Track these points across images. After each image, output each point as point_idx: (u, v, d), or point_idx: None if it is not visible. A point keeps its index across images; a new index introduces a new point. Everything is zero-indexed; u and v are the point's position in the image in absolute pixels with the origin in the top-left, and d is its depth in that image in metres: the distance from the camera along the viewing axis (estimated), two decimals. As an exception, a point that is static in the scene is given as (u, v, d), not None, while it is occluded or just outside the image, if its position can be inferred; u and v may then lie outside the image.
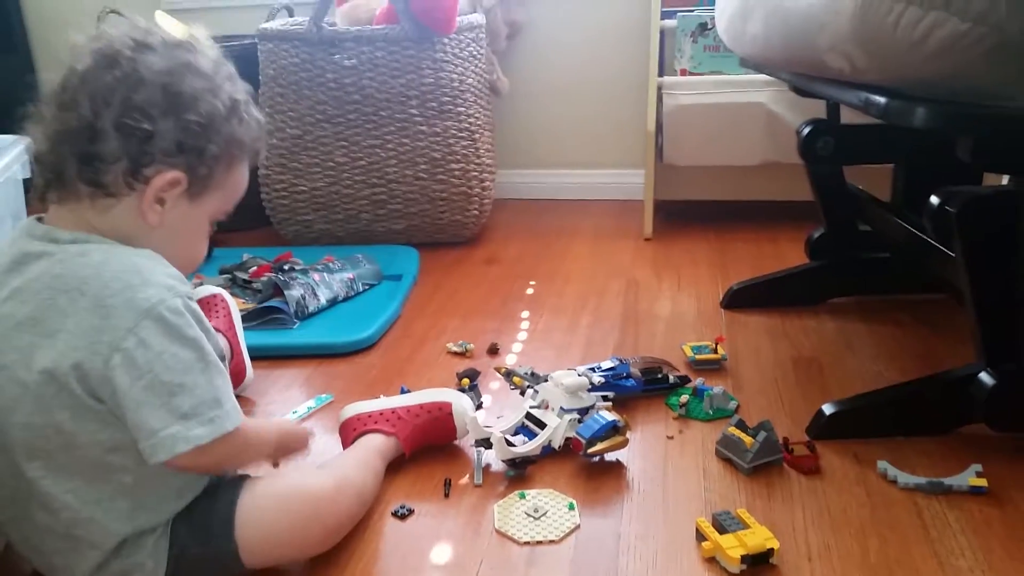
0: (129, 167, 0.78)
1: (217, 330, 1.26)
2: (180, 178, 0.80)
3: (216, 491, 0.87)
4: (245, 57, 2.03)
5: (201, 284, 1.70)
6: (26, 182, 1.52)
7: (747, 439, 1.06)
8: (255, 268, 1.71)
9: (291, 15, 2.16)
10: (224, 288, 1.68)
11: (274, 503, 0.88)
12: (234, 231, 2.10)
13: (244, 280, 1.69)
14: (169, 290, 0.77)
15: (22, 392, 0.76)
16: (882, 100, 1.03)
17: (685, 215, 2.14)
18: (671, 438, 1.14)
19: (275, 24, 1.98)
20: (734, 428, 1.09)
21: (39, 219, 0.82)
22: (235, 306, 1.34)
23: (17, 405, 0.77)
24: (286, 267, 1.70)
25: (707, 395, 1.20)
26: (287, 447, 0.96)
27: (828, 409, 1.15)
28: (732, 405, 1.21)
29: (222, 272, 1.75)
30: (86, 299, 0.75)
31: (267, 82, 1.94)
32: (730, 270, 1.78)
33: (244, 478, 0.91)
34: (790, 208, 2.07)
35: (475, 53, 2.00)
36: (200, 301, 1.33)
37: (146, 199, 0.79)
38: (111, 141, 0.77)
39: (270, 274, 1.66)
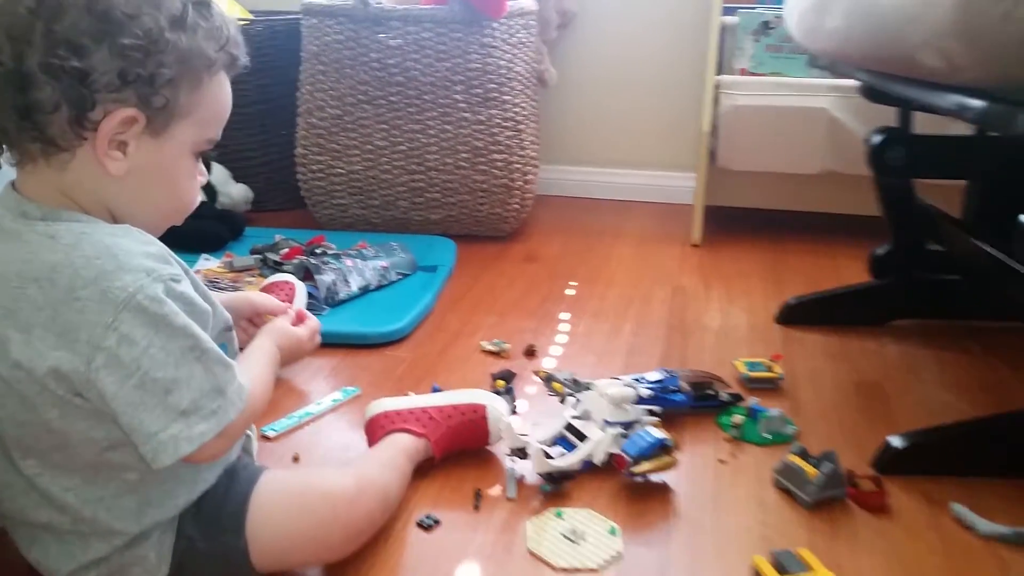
0: (71, 114, 0.66)
1: None
2: (133, 115, 0.68)
3: (229, 482, 0.80)
4: (288, 32, 1.97)
5: (231, 262, 1.64)
6: None
7: (810, 469, 0.97)
8: (287, 250, 1.65)
9: (338, -8, 2.09)
10: (254, 268, 1.63)
11: (290, 500, 0.81)
12: (268, 211, 2.04)
13: (275, 261, 1.63)
14: (148, 274, 0.67)
15: (6, 388, 0.68)
16: (980, 104, 0.93)
17: (736, 222, 2.04)
18: (723, 462, 1.05)
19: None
20: (795, 456, 0.99)
21: (12, 184, 0.73)
22: (303, 296, 1.27)
23: (3, 400, 0.69)
24: (318, 251, 1.63)
25: (763, 417, 1.10)
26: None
27: (896, 442, 1.05)
28: (790, 430, 1.11)
29: (253, 252, 1.69)
30: (57, 290, 0.66)
31: (309, 59, 1.87)
32: (784, 283, 1.67)
33: (260, 470, 0.83)
34: (849, 222, 1.96)
35: (525, 40, 1.92)
36: (269, 285, 1.26)
37: (99, 147, 0.68)
38: (43, 87, 0.65)
39: (301, 257, 1.59)
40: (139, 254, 0.68)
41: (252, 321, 1.01)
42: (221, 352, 0.71)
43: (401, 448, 0.96)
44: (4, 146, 0.70)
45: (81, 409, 0.68)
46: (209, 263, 1.66)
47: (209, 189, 1.90)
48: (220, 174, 1.94)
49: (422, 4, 1.87)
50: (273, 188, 2.06)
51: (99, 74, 0.66)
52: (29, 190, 0.71)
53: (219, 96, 0.75)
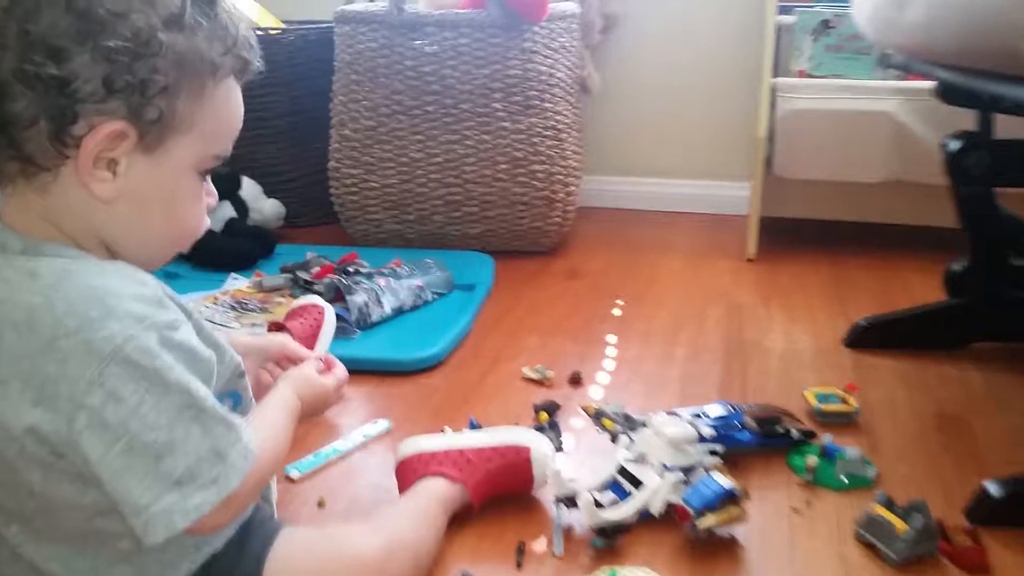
0: (51, 128, 0.57)
1: (290, 332, 1.09)
2: (122, 129, 0.59)
3: (242, 542, 0.71)
4: (321, 42, 1.90)
5: (260, 282, 1.57)
6: None
7: (898, 523, 0.85)
8: (318, 269, 1.57)
9: (372, -1, 2.02)
10: (285, 288, 1.56)
11: (311, 566, 0.73)
12: (300, 227, 1.97)
13: (306, 281, 1.55)
14: (139, 322, 0.58)
15: None
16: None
17: (794, 235, 1.91)
18: (797, 511, 0.93)
19: (354, 6, 1.84)
20: (880, 507, 0.88)
21: None
22: (331, 322, 1.18)
23: None
24: (350, 269, 1.55)
25: (840, 458, 0.98)
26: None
27: (994, 490, 0.92)
28: (870, 473, 0.99)
29: (283, 271, 1.61)
30: (36, 338, 0.57)
31: (342, 68, 1.80)
32: (849, 302, 1.55)
33: (278, 527, 0.74)
34: (916, 234, 1.83)
35: (567, 45, 1.82)
36: (297, 309, 1.18)
37: (82, 167, 0.59)
38: (18, 98, 0.56)
39: (333, 276, 1.51)
40: (129, 297, 0.59)
41: (279, 364, 0.92)
42: (223, 410, 0.62)
43: (435, 496, 0.87)
44: None
45: (65, 472, 0.59)
46: (237, 283, 1.59)
47: (240, 205, 1.83)
48: (251, 189, 1.88)
49: (459, 9, 1.78)
50: (306, 203, 1.99)
51: (81, 82, 0.57)
52: (10, 216, 0.63)
53: (227, 106, 0.66)
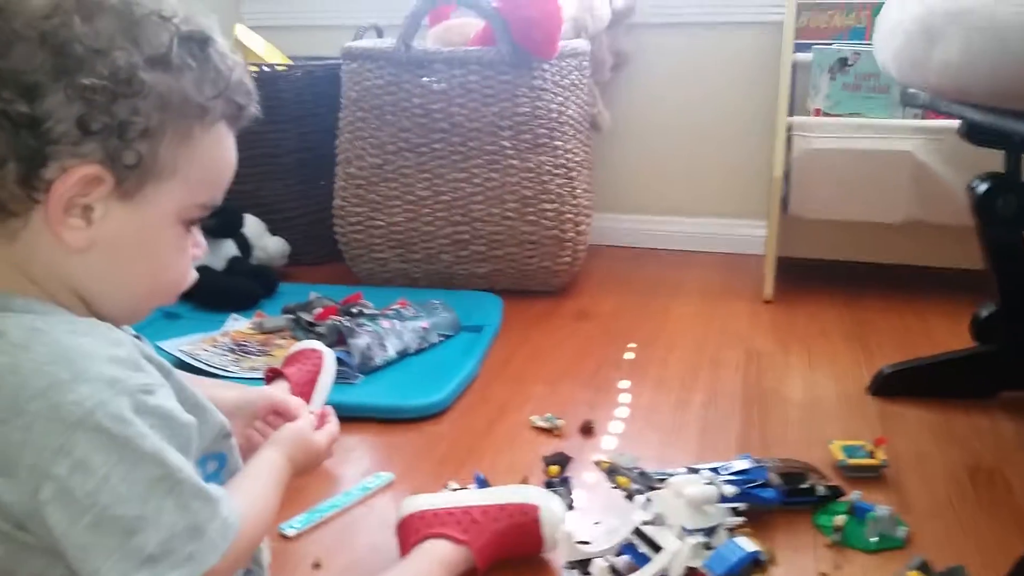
0: (19, 171, 0.53)
1: (287, 379, 1.04)
2: (97, 174, 0.55)
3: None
4: (328, 78, 1.88)
5: (261, 323, 1.53)
6: None
7: (937, 593, 0.79)
8: (320, 310, 1.52)
9: (380, 35, 2.00)
10: (286, 330, 1.51)
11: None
12: (304, 265, 1.93)
13: (308, 322, 1.51)
14: (111, 386, 0.53)
15: None
16: None
17: (811, 276, 1.86)
18: (826, 576, 0.88)
19: (362, 43, 1.83)
20: (915, 573, 0.81)
21: None
22: (330, 368, 1.12)
23: None
24: (354, 311, 1.50)
25: (871, 518, 0.92)
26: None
27: (1039, 554, 0.86)
28: (901, 533, 0.93)
29: (285, 311, 1.57)
30: (0, 401, 0.53)
31: (348, 105, 1.77)
32: (871, 346, 1.49)
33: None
34: (937, 276, 1.78)
35: (577, 82, 1.80)
36: (295, 354, 1.13)
37: (52, 213, 0.55)
38: None
39: (335, 317, 1.46)
40: (102, 359, 0.54)
41: (268, 422, 0.87)
42: (200, 483, 0.57)
43: (437, 560, 0.81)
44: None
45: (30, 546, 0.54)
46: (238, 323, 1.55)
47: (244, 243, 1.80)
48: (255, 227, 1.84)
49: (468, 45, 1.76)
50: (310, 241, 1.95)
51: (53, 122, 0.53)
52: None
53: (216, 152, 0.61)
